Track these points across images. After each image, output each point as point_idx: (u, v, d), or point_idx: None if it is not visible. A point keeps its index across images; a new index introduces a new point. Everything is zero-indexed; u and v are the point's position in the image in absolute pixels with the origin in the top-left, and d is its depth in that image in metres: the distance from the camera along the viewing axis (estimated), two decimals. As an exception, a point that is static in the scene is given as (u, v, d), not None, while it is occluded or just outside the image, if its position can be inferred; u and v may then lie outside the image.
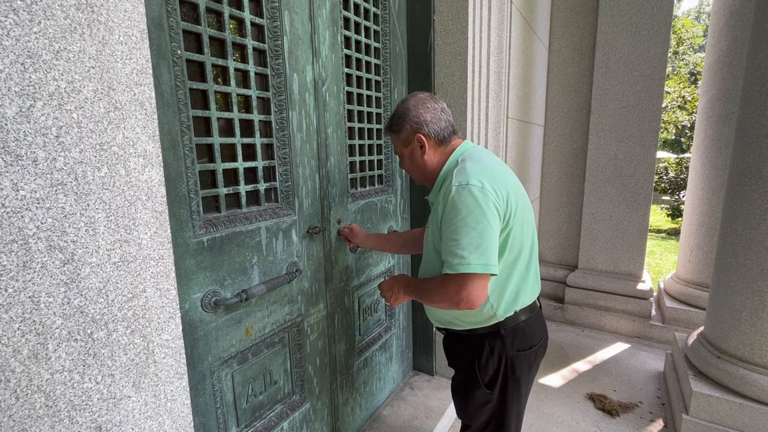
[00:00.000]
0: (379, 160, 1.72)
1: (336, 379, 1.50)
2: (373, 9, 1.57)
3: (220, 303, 0.99)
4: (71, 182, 0.45)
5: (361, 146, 1.58)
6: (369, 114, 1.61)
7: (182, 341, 0.62)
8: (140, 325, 0.54)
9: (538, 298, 1.13)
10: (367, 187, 1.66)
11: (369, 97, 1.60)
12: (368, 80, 1.60)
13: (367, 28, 1.56)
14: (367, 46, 1.57)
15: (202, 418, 1.00)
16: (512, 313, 1.02)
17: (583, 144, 2.96)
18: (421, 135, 1.05)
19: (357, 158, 1.55)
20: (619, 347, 2.71)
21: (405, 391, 1.98)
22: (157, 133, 0.55)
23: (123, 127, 0.50)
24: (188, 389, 0.63)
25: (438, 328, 1.18)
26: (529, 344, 1.06)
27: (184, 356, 0.62)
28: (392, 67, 1.71)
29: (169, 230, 0.58)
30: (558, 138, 3.08)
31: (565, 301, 3.09)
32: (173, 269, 0.59)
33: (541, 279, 3.25)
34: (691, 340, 2.00)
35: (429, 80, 1.80)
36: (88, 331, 0.48)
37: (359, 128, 1.55)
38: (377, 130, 1.67)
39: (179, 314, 0.61)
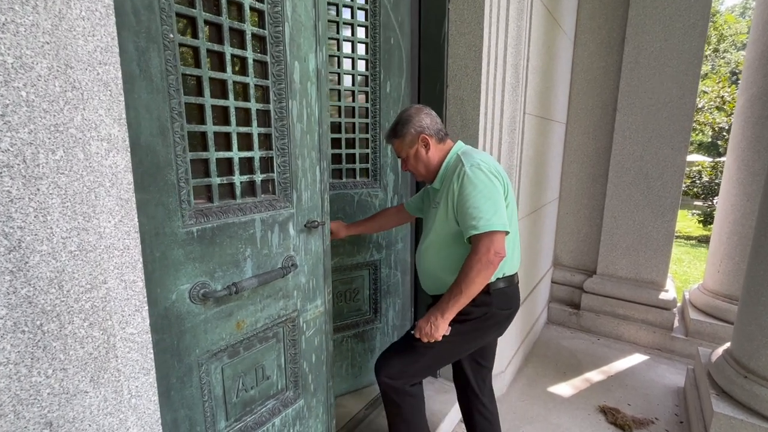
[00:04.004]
0: (365, 155, 1.76)
1: (333, 377, 1.46)
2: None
3: (209, 295, 0.96)
4: (18, 165, 0.42)
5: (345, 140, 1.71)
6: (353, 109, 1.72)
7: (149, 335, 0.59)
8: (100, 318, 0.52)
9: (516, 273, 1.33)
10: (344, 179, 1.76)
11: (353, 92, 1.70)
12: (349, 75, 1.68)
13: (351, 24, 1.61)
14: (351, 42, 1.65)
15: (187, 411, 0.98)
16: (501, 276, 1.25)
17: (607, 143, 2.82)
18: (425, 135, 1.27)
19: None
20: (636, 359, 2.58)
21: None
22: (124, 116, 0.52)
23: (83, 109, 0.47)
24: (156, 385, 0.61)
25: (433, 297, 1.35)
26: (509, 306, 1.28)
27: (152, 351, 0.60)
28: (384, 59, 1.70)
29: (136, 219, 0.55)
30: (580, 136, 2.94)
31: (580, 307, 2.96)
32: (140, 260, 0.56)
33: (557, 283, 3.13)
34: (715, 357, 1.86)
35: (442, 72, 1.73)
36: (38, 322, 0.45)
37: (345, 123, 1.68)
38: (366, 124, 1.74)
39: (146, 307, 0.59)
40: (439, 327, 1.17)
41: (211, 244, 0.98)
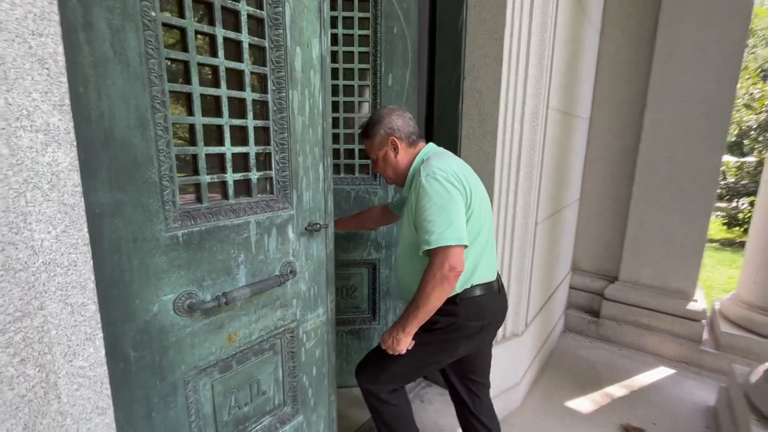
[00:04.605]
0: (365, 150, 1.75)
1: (335, 391, 1.36)
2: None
3: (196, 307, 0.86)
4: None
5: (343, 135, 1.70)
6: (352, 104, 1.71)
7: (105, 368, 0.49)
8: (35, 352, 0.42)
9: (499, 280, 1.27)
10: (341, 174, 1.77)
11: (351, 86, 1.69)
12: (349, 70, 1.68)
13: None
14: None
15: (171, 434, 0.89)
16: (469, 287, 1.17)
17: (634, 142, 2.63)
18: (394, 138, 1.23)
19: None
20: (661, 372, 2.41)
21: (415, 403, 1.82)
22: (67, 101, 0.41)
23: (6, 91, 0.37)
24: (114, 426, 0.51)
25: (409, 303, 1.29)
26: (480, 317, 1.19)
27: (109, 386, 0.50)
28: (385, 51, 1.63)
29: (85, 229, 0.45)
30: (605, 134, 2.76)
31: (600, 315, 2.80)
32: (92, 278, 0.46)
33: (575, 289, 2.97)
34: (755, 377, 1.70)
35: (459, 63, 1.60)
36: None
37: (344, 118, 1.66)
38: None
39: (100, 335, 0.49)
40: (401, 341, 1.14)
41: (199, 250, 0.88)
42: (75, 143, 0.45)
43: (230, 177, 0.94)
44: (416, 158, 1.24)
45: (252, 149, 0.98)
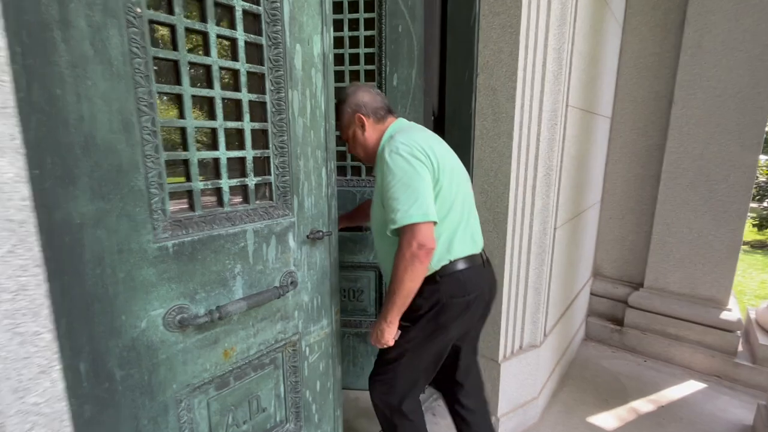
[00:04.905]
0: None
1: (342, 405, 1.30)
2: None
3: (187, 322, 0.81)
4: None
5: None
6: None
7: (65, 403, 0.44)
8: (-25, 391, 0.37)
9: (483, 255, 1.21)
10: (348, 176, 1.78)
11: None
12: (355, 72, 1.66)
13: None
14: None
15: (163, 456, 0.84)
16: (447, 263, 1.11)
17: (660, 140, 2.48)
18: (360, 114, 1.16)
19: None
20: (691, 386, 2.26)
21: (426, 416, 1.74)
22: (12, 103, 0.36)
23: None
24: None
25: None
26: (464, 293, 1.12)
27: (70, 423, 0.44)
28: (390, 50, 1.59)
29: (37, 248, 0.40)
30: (628, 132, 2.61)
31: (624, 324, 2.65)
32: (47, 303, 0.41)
33: (597, 295, 2.83)
34: (800, 397, 1.55)
35: (471, 59, 1.51)
36: None
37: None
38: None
39: (58, 366, 0.43)
40: (385, 331, 1.09)
41: (192, 261, 0.83)
42: (23, 150, 0.39)
43: (225, 183, 0.89)
44: (385, 134, 1.18)
45: (249, 153, 0.92)
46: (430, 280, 1.09)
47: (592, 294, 2.85)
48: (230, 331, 0.93)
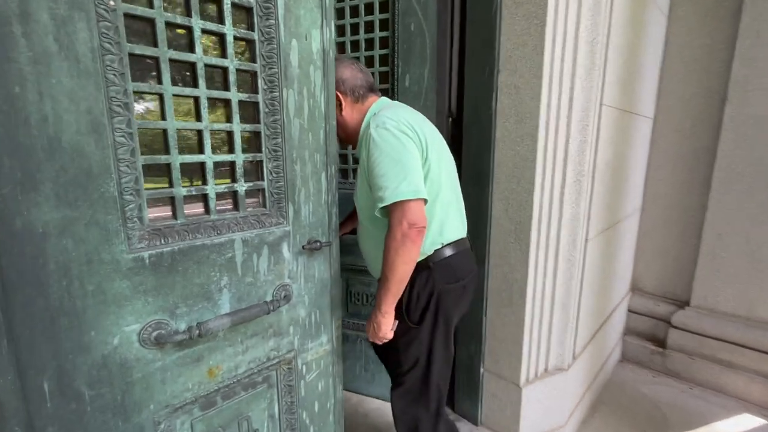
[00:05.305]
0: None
1: (343, 429, 1.21)
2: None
3: (165, 339, 0.75)
4: None
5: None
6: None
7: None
8: None
9: (468, 238, 1.19)
10: (350, 179, 1.75)
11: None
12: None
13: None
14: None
15: (138, 482, 0.78)
16: (439, 246, 1.08)
17: (710, 142, 2.23)
18: (338, 93, 1.08)
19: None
20: (747, 421, 1.99)
21: None
22: None
23: None
24: None
25: (379, 280, 1.14)
26: (457, 278, 1.10)
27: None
28: (402, 50, 1.52)
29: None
30: (672, 134, 2.37)
31: (667, 345, 2.40)
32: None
33: (635, 312, 2.58)
34: None
35: (492, 53, 1.39)
36: None
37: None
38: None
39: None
40: (381, 324, 1.05)
41: (171, 273, 0.77)
42: None
43: (212, 189, 0.83)
44: (367, 114, 1.11)
45: (239, 157, 0.86)
46: (424, 267, 1.06)
47: (629, 311, 2.61)
48: (215, 348, 0.86)
